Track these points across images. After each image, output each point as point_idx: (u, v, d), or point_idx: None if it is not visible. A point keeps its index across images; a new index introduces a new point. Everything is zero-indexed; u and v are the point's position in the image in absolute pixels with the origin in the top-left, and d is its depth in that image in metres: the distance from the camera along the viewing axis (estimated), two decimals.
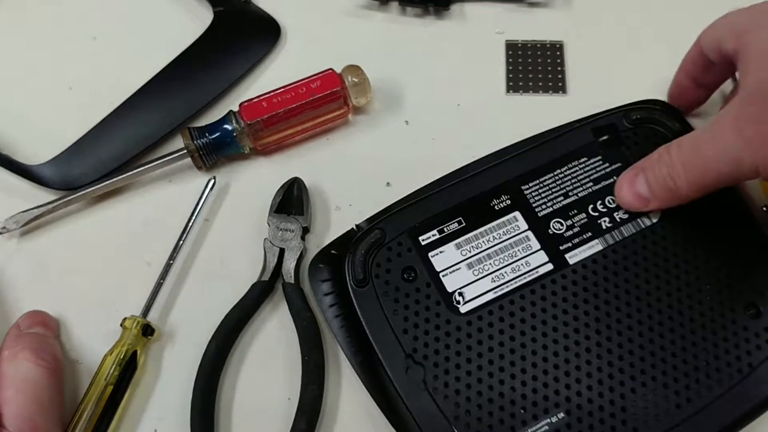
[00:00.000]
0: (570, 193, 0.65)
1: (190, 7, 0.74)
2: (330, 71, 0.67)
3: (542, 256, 0.63)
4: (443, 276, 0.62)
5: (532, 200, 0.65)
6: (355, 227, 0.64)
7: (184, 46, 0.70)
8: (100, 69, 0.71)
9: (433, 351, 0.59)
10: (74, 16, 0.73)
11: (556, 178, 0.66)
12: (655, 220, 0.64)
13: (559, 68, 0.75)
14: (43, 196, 0.65)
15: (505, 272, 0.62)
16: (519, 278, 0.62)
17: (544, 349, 0.59)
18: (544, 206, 0.65)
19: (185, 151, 0.65)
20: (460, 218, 0.64)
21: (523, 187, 0.65)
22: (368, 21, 0.74)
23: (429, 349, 0.59)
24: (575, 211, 0.65)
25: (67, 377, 0.59)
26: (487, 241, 0.63)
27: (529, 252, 0.63)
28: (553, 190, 0.65)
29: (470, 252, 0.63)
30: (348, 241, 0.63)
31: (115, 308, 0.63)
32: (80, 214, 0.67)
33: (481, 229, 0.64)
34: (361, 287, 0.61)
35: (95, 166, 0.67)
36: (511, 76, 0.75)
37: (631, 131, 0.67)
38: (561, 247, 0.63)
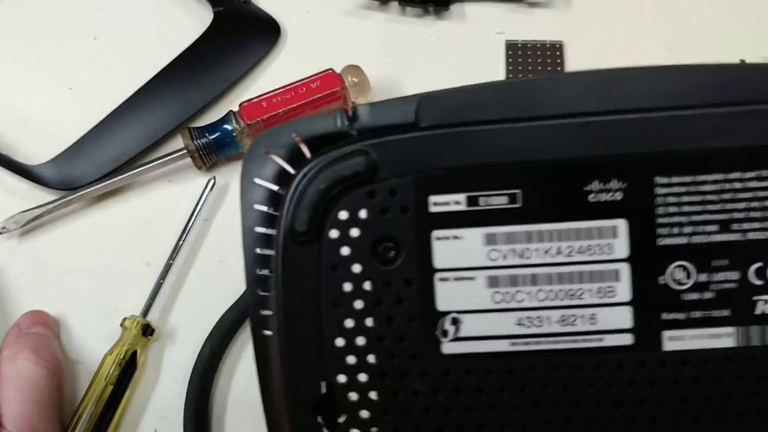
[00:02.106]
0: (734, 225, 0.38)
1: (190, 8, 0.73)
2: (330, 71, 0.66)
3: (624, 317, 0.38)
4: (440, 280, 0.38)
5: (661, 209, 0.38)
6: (349, 109, 0.40)
7: (184, 46, 0.69)
8: (101, 69, 0.71)
9: (365, 392, 0.38)
10: (75, 16, 0.73)
11: (726, 186, 0.38)
12: None
13: (559, 68, 0.72)
14: (43, 196, 0.65)
15: (549, 318, 0.38)
16: (566, 339, 0.38)
17: None
18: (675, 230, 0.38)
19: (185, 151, 0.64)
20: (519, 190, 0.38)
21: (658, 180, 0.38)
22: (368, 21, 0.73)
23: (361, 387, 0.38)
24: (726, 263, 0.38)
25: (66, 377, 0.59)
26: (546, 252, 0.38)
27: (606, 300, 0.38)
28: (709, 206, 0.38)
29: (505, 258, 0.38)
30: (331, 138, 0.39)
31: (115, 308, 0.62)
32: (80, 214, 0.67)
33: (547, 227, 0.38)
34: (300, 243, 0.38)
35: (95, 166, 0.67)
36: (511, 76, 0.71)
37: None
38: (664, 316, 0.38)
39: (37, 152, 0.66)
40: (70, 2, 0.73)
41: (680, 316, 0.38)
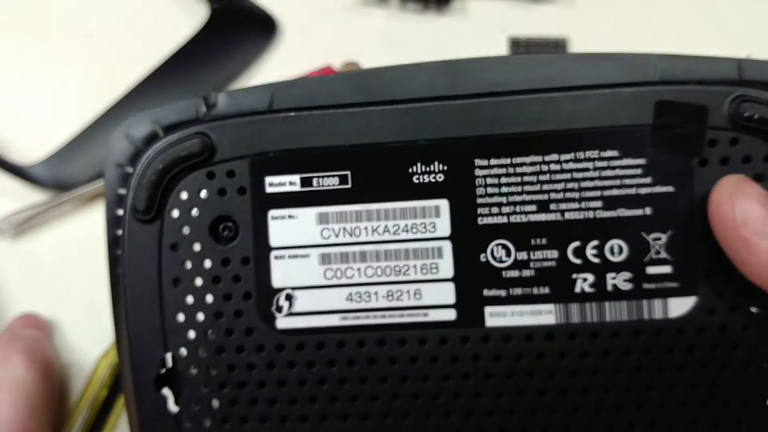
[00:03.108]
0: (552, 205, 0.39)
1: (186, 4, 0.74)
2: (328, 68, 0.66)
3: (447, 293, 0.39)
4: (275, 258, 0.40)
5: (480, 190, 0.39)
6: (206, 98, 0.42)
7: (180, 43, 0.70)
8: (95, 67, 0.71)
9: (205, 367, 0.40)
10: (69, 13, 0.74)
11: (544, 168, 0.39)
12: (679, 314, 0.38)
13: None
14: (36, 196, 0.65)
15: (376, 293, 0.39)
16: (392, 313, 0.39)
17: None
18: (495, 209, 0.39)
19: None
20: (349, 172, 0.40)
21: (478, 162, 0.39)
22: (367, 17, 0.73)
23: (201, 361, 0.40)
24: (544, 241, 0.39)
25: (60, 381, 0.59)
26: (374, 230, 0.40)
27: (429, 276, 0.39)
28: (528, 188, 0.39)
29: (336, 236, 0.40)
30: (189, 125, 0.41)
31: (109, 311, 0.64)
32: (74, 214, 0.66)
33: (375, 206, 0.40)
34: (142, 221, 0.40)
35: (89, 165, 0.66)
36: None
37: (731, 133, 0.38)
38: (485, 292, 0.39)
39: (30, 151, 0.65)
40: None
41: (501, 292, 0.39)
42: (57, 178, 0.65)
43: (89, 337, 0.61)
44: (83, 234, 0.65)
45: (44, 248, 0.64)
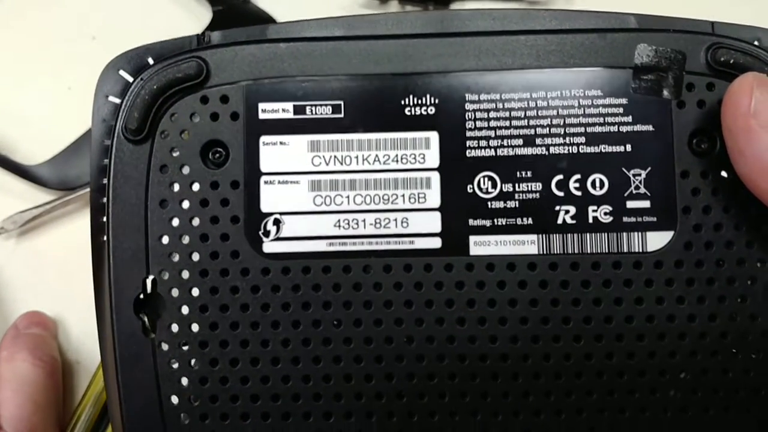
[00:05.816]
0: (538, 140, 0.40)
1: (190, 7, 0.73)
2: None
3: (434, 222, 0.40)
4: (265, 183, 0.40)
5: (470, 124, 0.40)
6: (199, 35, 0.42)
7: None
8: (99, 69, 0.73)
9: (187, 289, 0.39)
10: (74, 16, 0.74)
11: (531, 104, 0.40)
12: (657, 248, 0.40)
13: None
14: (41, 196, 0.65)
15: (364, 221, 0.40)
16: (379, 240, 0.40)
17: (357, 364, 0.39)
18: (483, 143, 0.40)
19: None
20: (342, 101, 0.40)
21: (468, 96, 0.40)
22: None
23: (183, 284, 0.40)
24: (529, 174, 0.40)
25: (65, 378, 0.59)
26: (364, 159, 0.40)
27: (417, 206, 0.40)
28: (515, 123, 0.40)
29: (327, 164, 0.40)
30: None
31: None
32: (78, 214, 0.66)
33: (366, 136, 0.40)
34: (132, 142, 0.40)
35: None
36: None
37: (708, 78, 0.40)
38: (471, 222, 0.40)
39: (36, 152, 0.66)
40: (68, 2, 0.74)
41: (486, 222, 0.39)
42: (62, 179, 0.65)
43: (93, 334, 0.57)
44: (88, 233, 0.61)
45: (49, 247, 0.64)
